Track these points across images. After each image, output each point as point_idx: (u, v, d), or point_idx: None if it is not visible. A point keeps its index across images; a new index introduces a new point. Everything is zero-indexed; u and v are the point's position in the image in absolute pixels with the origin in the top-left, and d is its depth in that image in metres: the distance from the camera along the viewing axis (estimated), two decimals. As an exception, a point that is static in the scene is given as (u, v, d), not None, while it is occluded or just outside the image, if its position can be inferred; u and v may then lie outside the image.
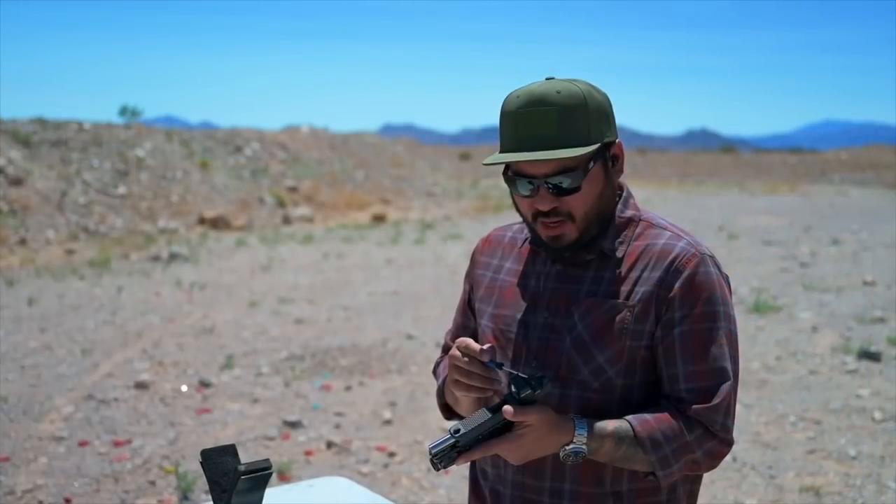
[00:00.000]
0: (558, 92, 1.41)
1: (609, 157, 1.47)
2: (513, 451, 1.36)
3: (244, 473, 1.28)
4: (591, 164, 1.43)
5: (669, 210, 18.57)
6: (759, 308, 8.13)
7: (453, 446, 1.31)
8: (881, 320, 7.64)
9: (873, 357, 6.33)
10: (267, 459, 1.32)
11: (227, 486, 1.30)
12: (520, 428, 1.34)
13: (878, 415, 5.13)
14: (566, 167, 1.41)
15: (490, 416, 1.32)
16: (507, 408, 1.32)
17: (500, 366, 1.40)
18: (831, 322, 7.65)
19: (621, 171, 1.53)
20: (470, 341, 1.42)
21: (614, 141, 1.48)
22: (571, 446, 1.38)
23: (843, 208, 19.98)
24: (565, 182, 1.42)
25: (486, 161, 1.46)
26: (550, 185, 1.42)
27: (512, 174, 1.46)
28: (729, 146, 51.16)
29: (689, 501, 1.56)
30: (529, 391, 1.32)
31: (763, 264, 11.14)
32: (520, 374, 1.34)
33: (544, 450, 1.38)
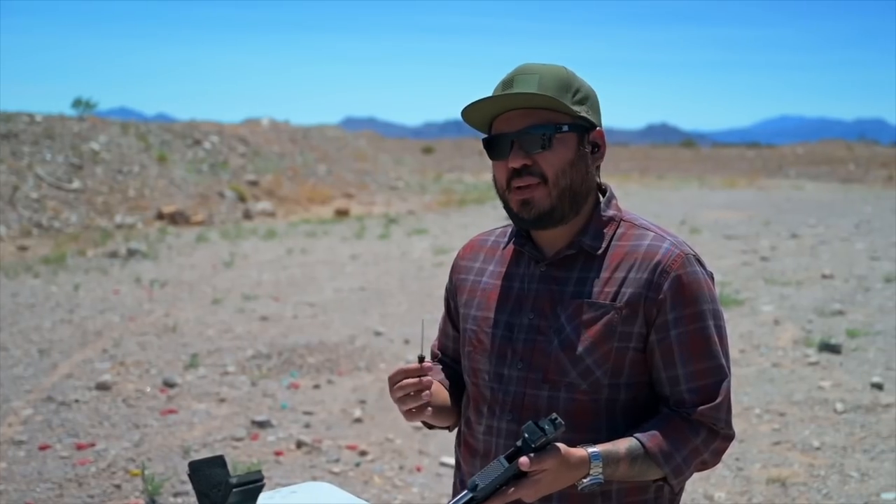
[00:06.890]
0: (543, 65, 1.51)
1: (588, 140, 1.51)
2: (530, 496, 1.34)
3: (236, 486, 1.24)
4: (565, 127, 1.47)
5: (632, 204, 18.67)
6: (722, 302, 8.19)
7: (471, 500, 1.30)
8: (840, 313, 7.79)
9: (833, 349, 6.46)
10: (259, 471, 1.28)
11: (217, 499, 1.26)
12: (536, 473, 1.32)
13: (839, 406, 5.22)
14: (538, 123, 1.46)
15: (506, 466, 1.31)
16: (524, 460, 1.30)
17: (422, 359, 1.43)
18: (792, 315, 7.78)
19: (599, 162, 1.55)
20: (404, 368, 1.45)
21: (594, 125, 1.52)
22: (589, 479, 1.38)
23: (800, 202, 20.36)
24: (537, 135, 1.45)
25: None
26: (523, 137, 1.46)
27: (490, 136, 1.51)
28: (689, 140, 51.87)
29: (673, 495, 1.57)
30: (544, 438, 1.30)
31: (725, 258, 11.30)
32: (534, 422, 1.32)
33: (563, 485, 1.38)
